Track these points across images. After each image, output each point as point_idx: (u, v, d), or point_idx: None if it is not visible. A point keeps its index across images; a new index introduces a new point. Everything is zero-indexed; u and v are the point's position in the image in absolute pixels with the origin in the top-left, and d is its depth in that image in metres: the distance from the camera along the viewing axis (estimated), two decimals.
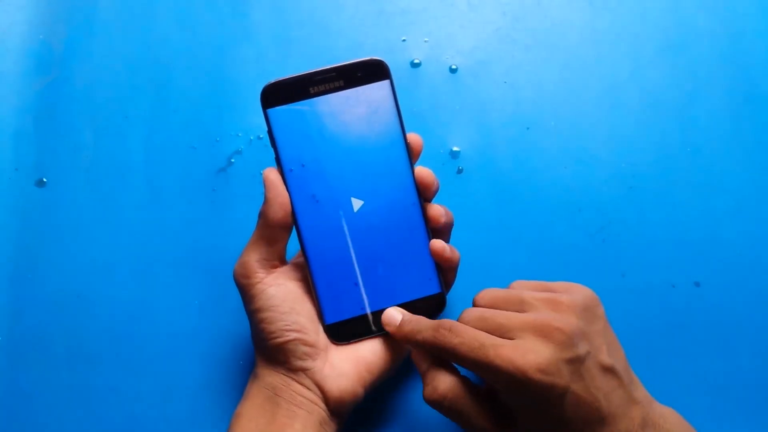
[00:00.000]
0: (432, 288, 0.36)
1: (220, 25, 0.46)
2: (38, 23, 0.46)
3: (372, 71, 0.34)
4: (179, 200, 0.43)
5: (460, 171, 0.44)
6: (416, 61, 0.45)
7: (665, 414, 0.33)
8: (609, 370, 0.31)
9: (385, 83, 0.34)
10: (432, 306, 0.36)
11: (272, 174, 0.34)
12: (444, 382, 0.32)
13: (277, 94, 0.33)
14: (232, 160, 0.44)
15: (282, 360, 0.34)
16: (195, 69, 0.45)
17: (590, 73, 0.45)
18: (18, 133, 0.44)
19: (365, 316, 0.35)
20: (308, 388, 0.33)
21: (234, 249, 0.42)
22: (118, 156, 0.44)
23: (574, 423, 0.30)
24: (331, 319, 0.35)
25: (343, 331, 0.35)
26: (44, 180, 0.44)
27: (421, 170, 0.35)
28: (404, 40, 0.46)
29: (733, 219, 0.42)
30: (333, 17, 0.46)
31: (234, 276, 0.35)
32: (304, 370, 0.34)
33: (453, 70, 0.45)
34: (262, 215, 0.34)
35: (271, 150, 0.34)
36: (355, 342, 0.35)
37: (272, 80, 0.33)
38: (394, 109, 0.35)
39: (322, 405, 0.34)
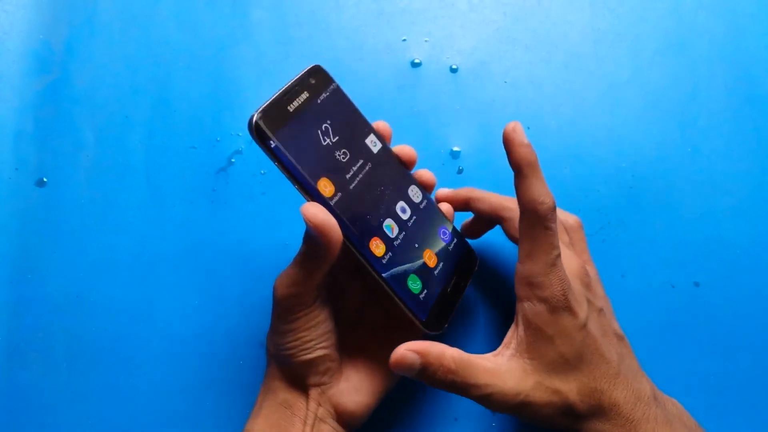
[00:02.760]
0: (464, 245, 0.38)
1: (220, 25, 0.46)
2: (38, 23, 0.46)
3: (320, 77, 0.34)
4: (179, 200, 0.43)
5: (460, 171, 0.44)
6: (416, 61, 0.45)
7: (672, 400, 0.34)
8: (621, 338, 0.34)
9: (335, 85, 0.34)
10: (473, 260, 0.38)
11: (313, 209, 0.30)
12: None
13: (271, 120, 0.31)
14: (232, 160, 0.44)
15: (303, 375, 0.33)
16: (195, 69, 0.45)
17: (590, 73, 0.45)
18: (18, 133, 0.44)
19: (444, 290, 0.35)
20: (321, 405, 0.33)
21: (234, 249, 0.42)
22: (118, 156, 0.44)
23: (591, 369, 0.31)
24: (424, 314, 0.34)
25: (438, 317, 0.35)
26: (44, 180, 0.44)
27: (400, 148, 0.36)
28: (404, 40, 0.46)
29: (733, 219, 0.42)
30: (333, 17, 0.46)
31: (281, 296, 0.32)
32: (321, 385, 0.33)
33: (453, 70, 0.45)
34: (321, 256, 0.31)
35: (288, 182, 0.32)
36: (450, 318, 0.35)
37: (257, 110, 0.30)
38: (352, 106, 0.35)
39: (334, 423, 0.33)
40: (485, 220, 0.39)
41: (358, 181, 0.34)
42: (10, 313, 0.41)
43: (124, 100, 0.45)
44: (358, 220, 0.33)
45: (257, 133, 0.30)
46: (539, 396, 0.30)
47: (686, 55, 0.45)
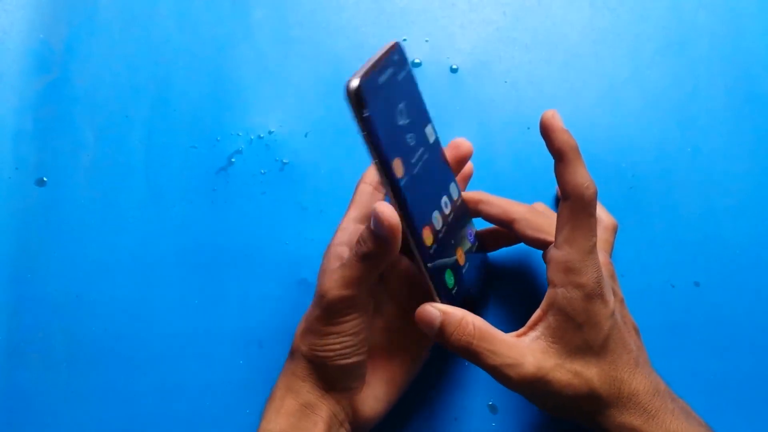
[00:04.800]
0: (483, 251, 0.40)
1: (220, 25, 0.46)
2: (38, 23, 0.46)
3: (400, 57, 0.32)
4: (179, 200, 0.43)
5: None
6: (416, 61, 0.45)
7: (683, 400, 0.34)
8: (637, 331, 0.34)
9: (408, 67, 0.33)
10: (489, 267, 0.40)
11: (388, 209, 0.30)
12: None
13: (366, 89, 0.29)
14: (232, 160, 0.44)
15: (335, 378, 0.33)
16: (195, 69, 0.45)
17: (590, 73, 0.45)
18: (18, 133, 0.44)
19: (468, 292, 0.36)
20: (343, 409, 0.33)
21: (234, 249, 0.42)
22: (118, 156, 0.44)
23: (614, 357, 0.31)
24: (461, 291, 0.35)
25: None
26: (44, 180, 0.44)
27: (459, 141, 0.38)
28: (404, 40, 0.46)
29: (733, 219, 0.42)
30: (333, 17, 0.46)
31: (334, 297, 0.31)
32: (349, 390, 0.33)
33: (453, 70, 0.45)
34: (386, 256, 0.31)
35: (370, 157, 0.30)
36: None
37: (356, 75, 0.29)
38: (419, 91, 0.34)
39: (348, 427, 0.33)
40: (498, 235, 0.39)
41: (419, 168, 0.33)
42: (10, 313, 0.41)
43: (124, 100, 0.45)
44: (417, 206, 0.32)
45: (356, 100, 0.29)
46: (560, 376, 0.30)
47: (686, 55, 0.45)
